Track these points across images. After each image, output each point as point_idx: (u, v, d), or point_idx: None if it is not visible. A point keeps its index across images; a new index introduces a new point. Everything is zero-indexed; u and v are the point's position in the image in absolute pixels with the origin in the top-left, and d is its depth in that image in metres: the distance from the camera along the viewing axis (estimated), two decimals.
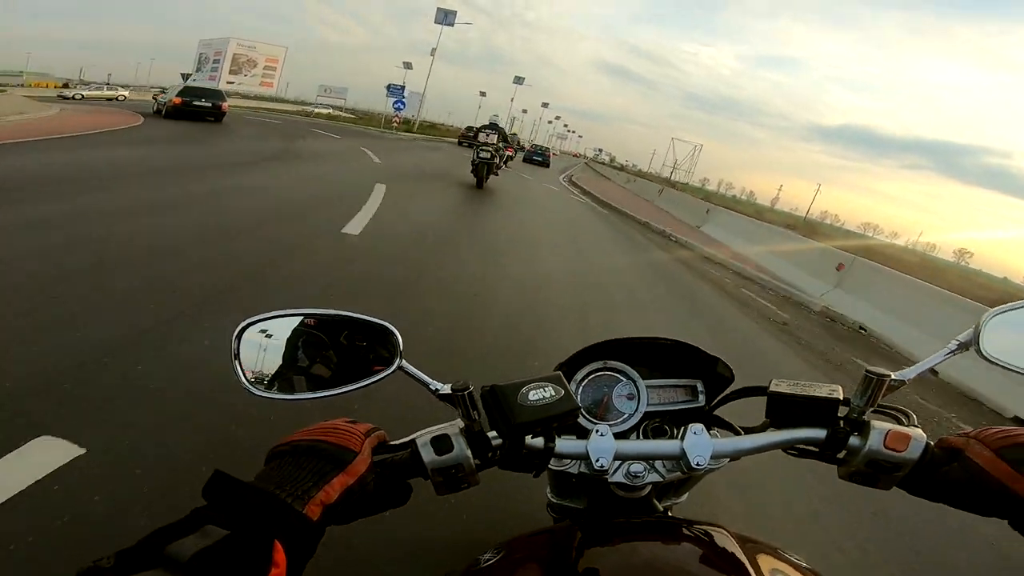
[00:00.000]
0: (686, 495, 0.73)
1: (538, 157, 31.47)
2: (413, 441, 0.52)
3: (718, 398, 0.73)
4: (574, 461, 0.58)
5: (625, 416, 0.71)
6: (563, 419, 0.51)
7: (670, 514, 0.65)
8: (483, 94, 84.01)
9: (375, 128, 32.38)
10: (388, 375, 0.54)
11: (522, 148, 36.48)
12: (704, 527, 0.54)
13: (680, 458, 0.54)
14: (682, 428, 0.56)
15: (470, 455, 0.51)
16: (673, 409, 0.73)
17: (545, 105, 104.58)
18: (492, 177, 11.38)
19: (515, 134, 34.49)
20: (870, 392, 0.52)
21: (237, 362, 0.52)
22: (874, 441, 0.49)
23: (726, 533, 0.52)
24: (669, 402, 0.73)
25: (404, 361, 0.54)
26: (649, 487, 0.60)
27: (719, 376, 0.74)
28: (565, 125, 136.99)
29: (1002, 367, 0.53)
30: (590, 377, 0.74)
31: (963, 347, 0.54)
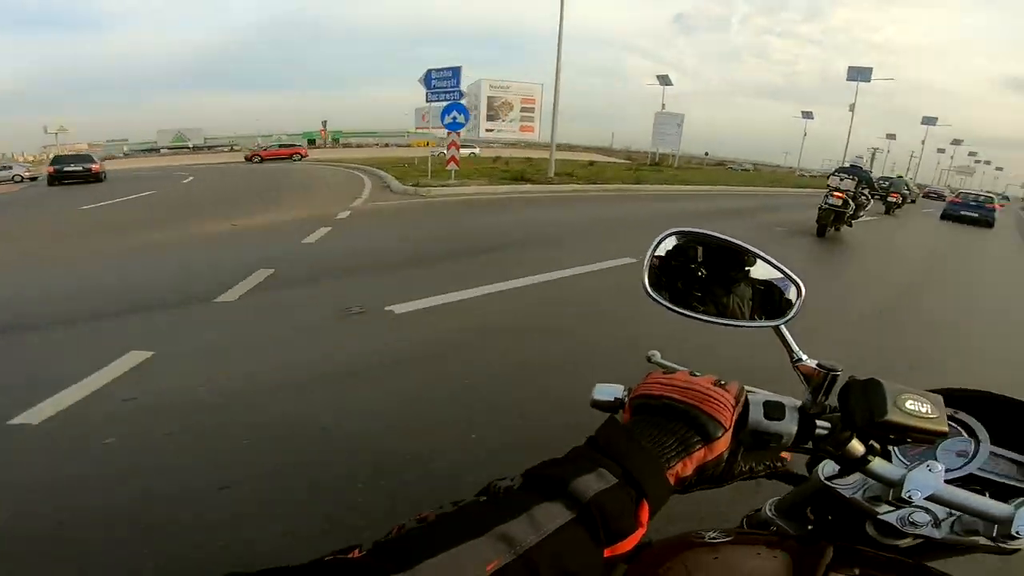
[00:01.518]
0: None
1: (971, 212, 17.83)
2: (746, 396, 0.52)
3: None
4: (856, 482, 0.55)
5: (950, 469, 0.65)
6: (924, 436, 0.49)
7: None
8: (892, 136, 70.91)
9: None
10: (768, 326, 0.55)
11: (909, 196, 22.45)
12: None
13: (1002, 523, 0.49)
14: (1016, 499, 0.52)
15: (794, 432, 0.49)
16: (1005, 483, 0.64)
17: (958, 143, 76.67)
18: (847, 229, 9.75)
19: (901, 177, 24.92)
20: None
21: (649, 262, 0.58)
22: None
23: None
24: (1006, 476, 0.65)
25: (788, 320, 0.55)
26: (909, 540, 0.56)
27: None
28: (972, 153, 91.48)
29: None
30: None
31: None
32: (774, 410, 0.49)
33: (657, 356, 0.66)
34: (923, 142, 64.20)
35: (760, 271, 0.58)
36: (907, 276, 7.11)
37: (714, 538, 0.53)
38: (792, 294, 0.56)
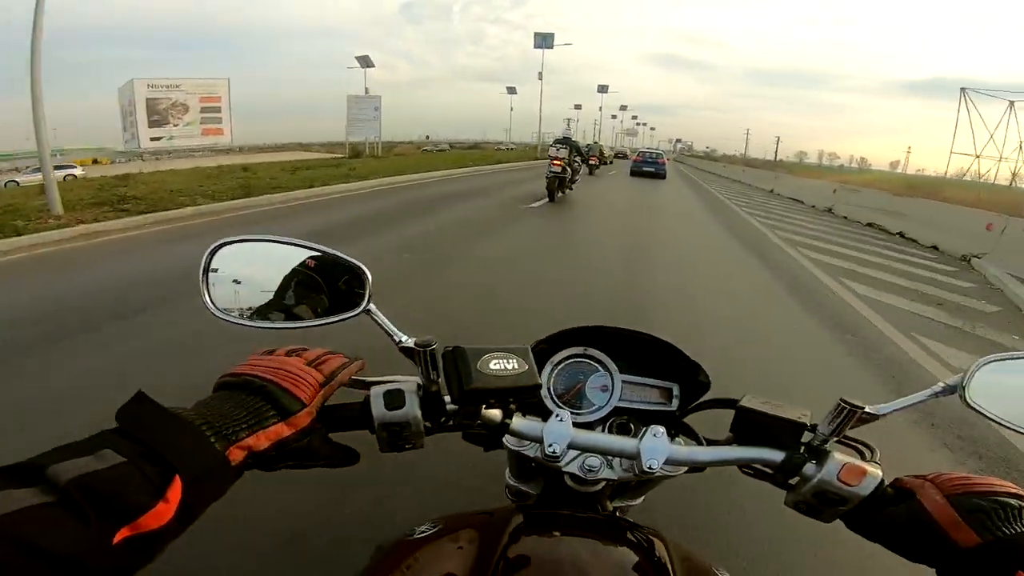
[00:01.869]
0: (642, 498, 0.70)
1: (649, 167, 23.39)
2: (366, 391, 0.52)
3: (691, 406, 0.71)
4: (531, 443, 0.57)
5: (595, 407, 0.70)
6: (521, 394, 0.51)
7: (618, 514, 0.65)
8: (578, 107, 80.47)
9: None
10: (351, 317, 0.54)
11: (605, 158, 30.22)
12: (643, 532, 0.54)
13: (634, 458, 0.53)
14: (644, 429, 0.55)
15: (419, 415, 0.50)
16: (644, 409, 0.70)
17: (624, 108, 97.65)
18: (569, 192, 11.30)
19: (597, 143, 30.58)
20: (839, 422, 0.50)
21: (204, 281, 0.53)
22: (828, 472, 0.49)
23: (662, 541, 0.52)
24: (642, 401, 0.71)
25: (372, 306, 0.54)
26: (603, 483, 0.59)
27: (697, 383, 0.70)
28: (634, 117, 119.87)
29: (986, 417, 0.51)
30: (568, 362, 0.72)
31: (948, 390, 0.51)
32: (393, 399, 0.49)
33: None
34: (600, 108, 74.90)
35: (328, 264, 0.56)
36: (625, 217, 9.95)
37: (424, 530, 0.55)
38: (364, 281, 0.55)
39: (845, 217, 11.99)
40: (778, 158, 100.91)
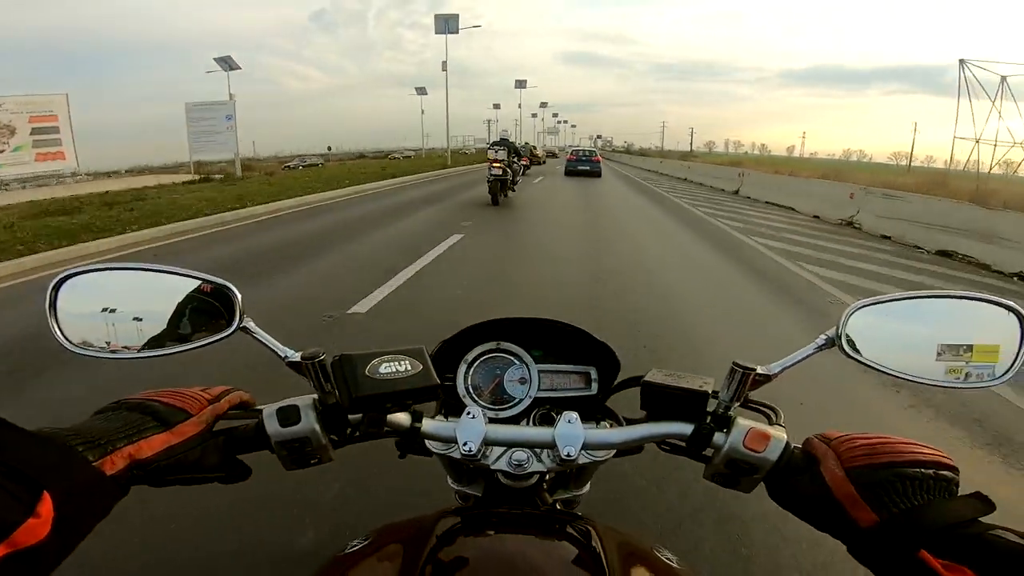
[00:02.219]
0: (587, 487, 0.67)
1: (584, 165, 23.11)
2: (260, 410, 0.50)
3: (611, 387, 0.71)
4: (454, 445, 0.55)
5: (516, 401, 0.69)
6: (418, 396, 0.50)
7: (558, 507, 0.65)
8: (497, 106, 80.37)
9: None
10: (227, 336, 0.52)
11: (537, 158, 29.77)
12: (573, 521, 0.55)
13: (552, 447, 0.52)
14: (560, 416, 0.54)
15: (319, 429, 0.48)
16: (566, 396, 0.70)
17: (544, 105, 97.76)
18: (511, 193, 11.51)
19: (527, 144, 29.91)
20: (736, 386, 0.50)
21: (52, 315, 0.49)
22: (735, 439, 0.48)
23: (592, 528, 0.52)
24: (564, 388, 0.71)
25: (249, 322, 0.52)
26: (535, 477, 0.58)
27: (612, 364, 0.71)
28: (555, 115, 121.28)
29: (862, 364, 0.50)
30: (483, 358, 0.71)
31: (829, 342, 0.51)
32: (288, 415, 0.49)
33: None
34: (520, 106, 73.71)
35: (194, 286, 0.53)
36: (570, 215, 10.15)
37: (356, 544, 0.54)
38: (233, 299, 0.52)
39: (748, 197, 14.06)
40: (692, 148, 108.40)
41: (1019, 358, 0.49)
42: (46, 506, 0.33)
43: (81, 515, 0.36)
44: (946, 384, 0.50)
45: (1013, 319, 0.49)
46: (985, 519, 0.37)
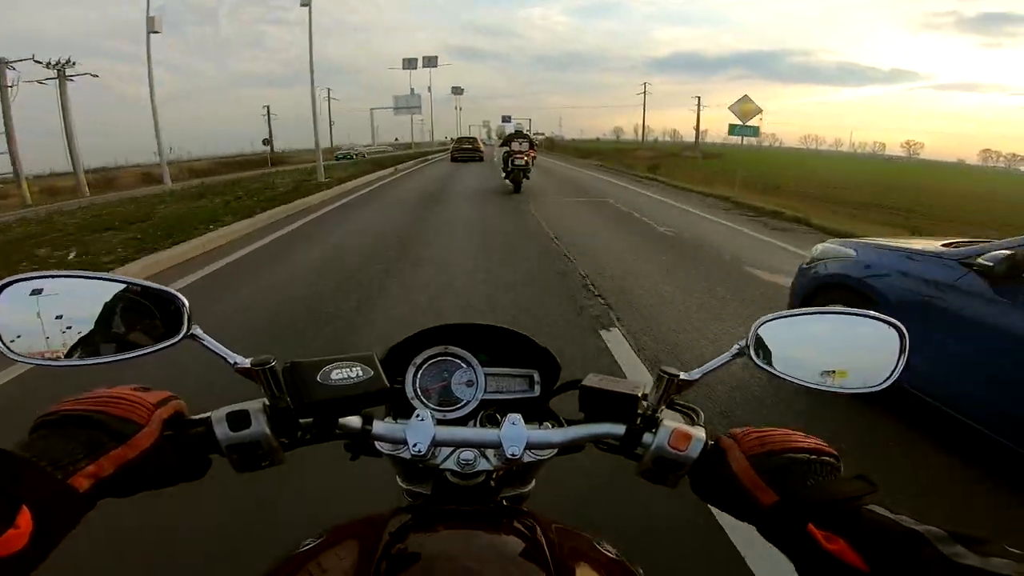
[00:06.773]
0: (531, 484, 0.70)
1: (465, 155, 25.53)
2: (209, 416, 0.50)
3: (552, 390, 0.74)
4: (404, 446, 0.56)
5: (463, 403, 0.72)
6: (368, 400, 0.52)
7: (505, 503, 0.67)
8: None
9: None
10: (174, 344, 0.51)
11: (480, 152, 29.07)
12: (519, 516, 0.58)
13: (497, 447, 0.55)
14: (505, 416, 0.57)
15: (269, 433, 0.49)
16: (510, 399, 0.73)
17: (459, 91, 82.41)
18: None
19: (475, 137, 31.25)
20: (662, 390, 0.54)
21: None
22: (661, 439, 0.52)
23: (536, 523, 0.54)
24: (508, 391, 0.74)
25: (197, 329, 0.52)
26: (483, 475, 0.60)
27: (553, 367, 0.74)
28: (458, 108, 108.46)
29: (770, 373, 0.55)
30: (431, 362, 0.74)
31: (740, 352, 0.55)
32: (238, 420, 0.49)
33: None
34: (457, 108, 75.07)
35: (140, 295, 0.53)
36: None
37: (309, 542, 0.55)
38: (181, 307, 0.52)
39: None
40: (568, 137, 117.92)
41: (898, 366, 0.55)
42: (25, 519, 0.35)
43: (55, 528, 0.38)
44: (835, 389, 0.56)
45: (894, 333, 0.55)
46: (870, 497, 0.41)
